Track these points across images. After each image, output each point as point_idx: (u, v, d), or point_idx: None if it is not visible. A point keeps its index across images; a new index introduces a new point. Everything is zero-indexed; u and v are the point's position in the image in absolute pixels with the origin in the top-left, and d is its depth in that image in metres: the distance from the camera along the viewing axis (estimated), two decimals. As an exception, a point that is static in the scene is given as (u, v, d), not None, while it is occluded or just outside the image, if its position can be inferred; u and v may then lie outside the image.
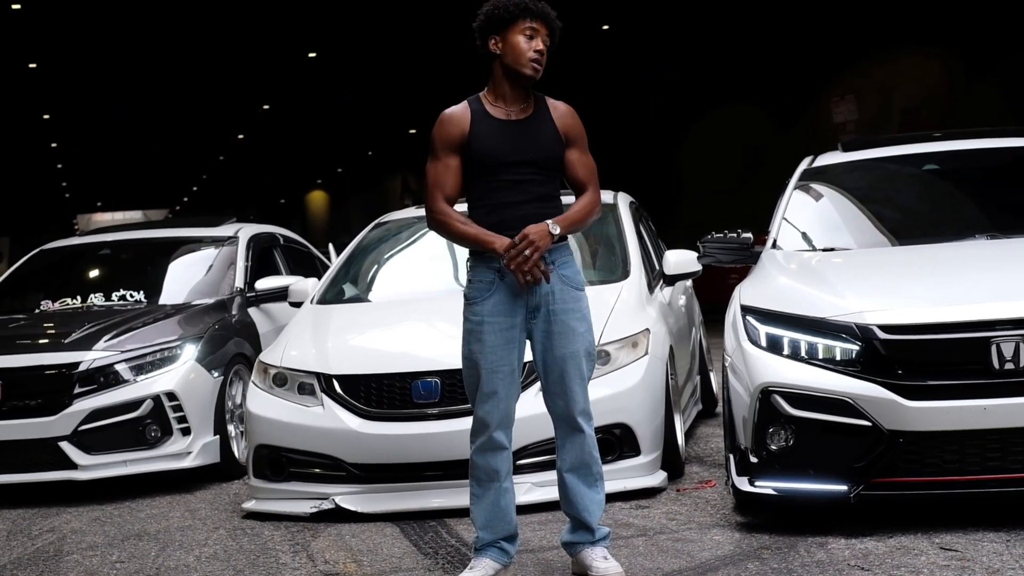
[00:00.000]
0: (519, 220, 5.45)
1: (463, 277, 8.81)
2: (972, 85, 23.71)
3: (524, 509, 7.01)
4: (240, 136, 51.47)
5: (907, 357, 5.95)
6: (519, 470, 7.10)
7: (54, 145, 49.49)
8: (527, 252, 5.37)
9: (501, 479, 5.62)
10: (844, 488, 5.97)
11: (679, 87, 34.64)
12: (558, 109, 5.69)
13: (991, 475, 5.88)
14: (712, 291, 14.79)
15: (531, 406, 7.11)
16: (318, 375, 7.48)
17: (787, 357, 6.22)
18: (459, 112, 5.59)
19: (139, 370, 8.72)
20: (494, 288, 5.54)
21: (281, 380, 7.62)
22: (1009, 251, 6.98)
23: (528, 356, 7.04)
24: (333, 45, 34.20)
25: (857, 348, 6.03)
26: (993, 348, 5.86)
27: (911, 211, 7.93)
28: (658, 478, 7.39)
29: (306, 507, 7.33)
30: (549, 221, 5.45)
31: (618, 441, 7.26)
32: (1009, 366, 5.84)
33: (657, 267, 8.87)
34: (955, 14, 23.44)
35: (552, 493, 7.04)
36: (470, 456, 5.64)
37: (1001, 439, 5.84)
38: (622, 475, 7.24)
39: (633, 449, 7.29)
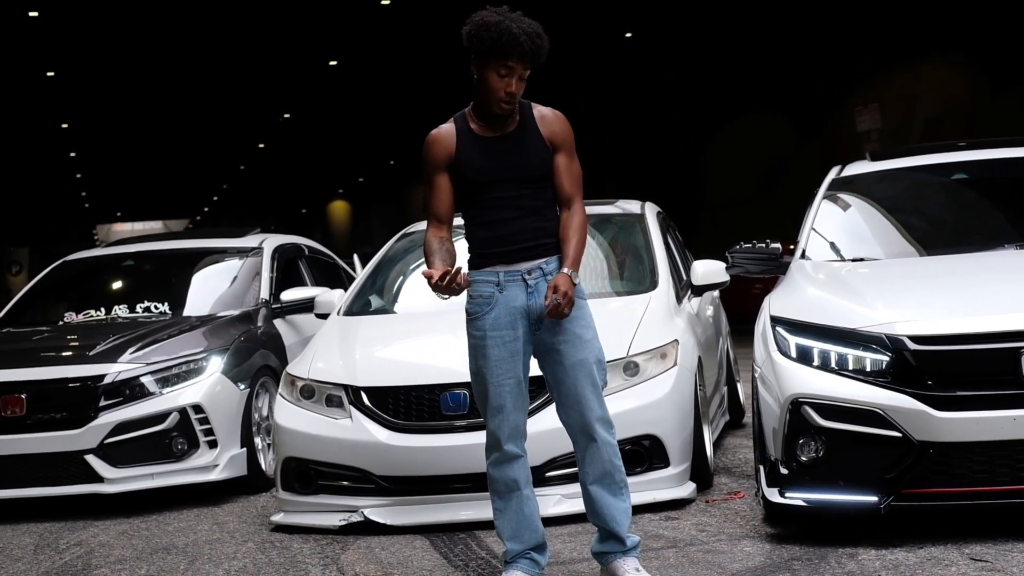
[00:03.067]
0: (515, 235, 5.53)
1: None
2: (995, 95, 23.65)
3: (553, 521, 7.01)
4: (261, 145, 51.57)
5: (937, 368, 5.92)
6: (548, 482, 7.11)
7: (73, 155, 49.64)
8: (563, 306, 5.42)
9: (521, 487, 5.64)
10: (874, 499, 5.95)
11: (703, 96, 34.61)
12: (544, 116, 5.65)
13: (1021, 486, 5.85)
14: (737, 301, 14.77)
15: (557, 418, 7.12)
16: (346, 387, 7.47)
17: (817, 368, 6.20)
18: (444, 132, 5.60)
19: (165, 382, 8.72)
20: (494, 302, 5.56)
21: (309, 392, 7.61)
22: (1033, 261, 6.95)
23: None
24: (354, 53, 34.27)
25: (887, 359, 6.01)
26: (1023, 359, 5.83)
27: (940, 221, 7.90)
28: (687, 489, 7.37)
29: (335, 520, 7.33)
30: (565, 269, 5.49)
31: (647, 452, 7.24)
32: (1039, 377, 5.81)
33: (685, 277, 8.85)
34: (979, 24, 23.40)
35: (581, 505, 7.04)
36: (487, 471, 5.68)
37: (1032, 450, 5.81)
38: (651, 487, 7.22)
39: (662, 460, 7.27)
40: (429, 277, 5.47)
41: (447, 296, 5.56)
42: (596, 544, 5.72)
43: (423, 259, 9.08)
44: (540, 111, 5.66)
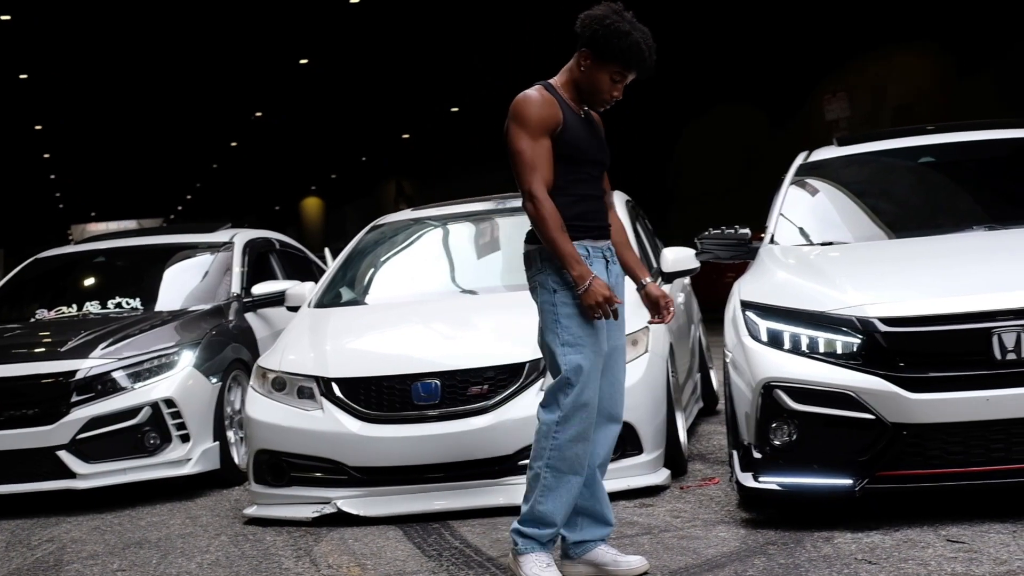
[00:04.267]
0: (596, 215, 5.57)
1: (460, 278, 8.90)
2: (964, 82, 23.71)
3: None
4: (233, 144, 51.44)
5: (909, 349, 5.92)
6: (520, 471, 7.08)
7: (47, 156, 49.45)
8: (673, 310, 5.75)
9: (585, 469, 5.53)
10: (849, 482, 5.95)
11: (674, 87, 34.62)
12: (598, 120, 5.75)
13: (996, 466, 5.85)
14: (709, 289, 14.78)
15: (532, 405, 7.07)
16: (317, 379, 7.45)
17: (788, 352, 6.19)
18: (551, 98, 5.49)
19: (137, 377, 8.68)
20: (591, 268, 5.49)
21: (280, 384, 7.58)
22: (1007, 242, 6.96)
23: (529, 356, 7.09)
24: (324, 51, 34.19)
25: (858, 341, 6.00)
26: (995, 339, 5.84)
27: (908, 204, 7.91)
28: (661, 476, 7.36)
29: (308, 512, 7.30)
30: (650, 279, 5.78)
31: (620, 440, 7.19)
32: (1011, 356, 5.82)
33: (655, 265, 8.85)
34: (947, 11, 23.45)
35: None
36: (555, 446, 5.42)
37: (1004, 430, 5.82)
38: (625, 474, 7.21)
39: (636, 447, 7.26)
40: (609, 301, 5.37)
41: (599, 315, 5.39)
42: (577, 533, 5.64)
43: (393, 249, 9.27)
44: (592, 112, 5.72)
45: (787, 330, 6.24)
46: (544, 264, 5.48)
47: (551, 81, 5.59)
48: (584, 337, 5.43)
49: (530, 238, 5.56)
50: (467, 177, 45.83)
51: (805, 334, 6.18)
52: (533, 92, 5.49)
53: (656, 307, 5.76)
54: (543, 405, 5.52)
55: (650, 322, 5.87)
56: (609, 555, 5.63)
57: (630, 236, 8.52)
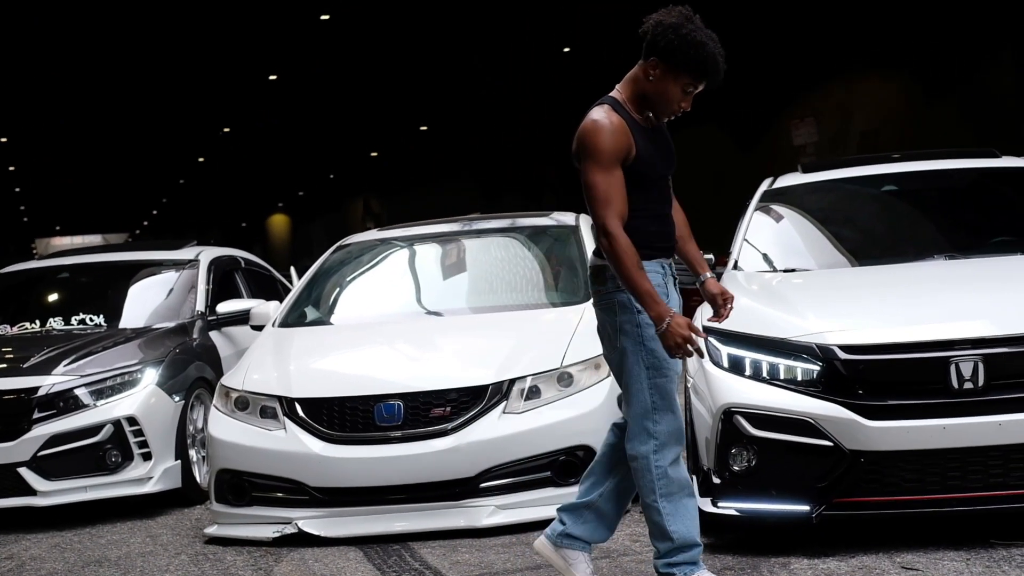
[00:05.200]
0: (672, 231, 5.51)
1: (425, 299, 8.92)
2: (931, 108, 23.89)
3: (487, 532, 7.04)
4: (200, 159, 51.36)
5: (867, 377, 5.98)
6: (481, 493, 7.12)
7: (12, 168, 49.22)
8: (731, 306, 5.61)
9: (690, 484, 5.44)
10: (806, 508, 5.99)
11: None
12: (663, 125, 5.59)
13: (951, 494, 5.92)
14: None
15: (494, 428, 7.17)
16: (280, 398, 7.46)
17: (749, 378, 6.24)
18: (619, 121, 5.30)
19: (99, 395, 8.66)
20: (666, 292, 5.37)
21: (243, 404, 7.59)
22: (967, 271, 7.05)
23: (491, 378, 7.09)
24: (294, 68, 34.19)
25: (818, 368, 6.06)
26: (952, 368, 5.91)
27: (871, 232, 7.98)
28: (621, 500, 7.38)
29: (269, 532, 7.30)
30: (709, 274, 5.66)
31: (581, 463, 7.24)
32: (968, 385, 5.88)
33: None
34: (914, 38, 23.63)
35: (516, 516, 7.09)
36: (656, 474, 5.32)
37: (960, 458, 5.89)
38: (585, 497, 7.22)
39: (596, 471, 7.27)
40: (690, 340, 5.17)
41: (680, 356, 5.22)
42: (575, 526, 5.62)
43: (358, 270, 9.28)
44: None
45: (748, 356, 6.29)
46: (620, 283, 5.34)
47: (616, 96, 5.39)
48: (667, 360, 5.29)
49: (599, 251, 5.41)
50: (435, 195, 45.92)
51: (766, 360, 6.23)
52: (603, 119, 5.28)
53: (714, 303, 5.61)
54: (630, 439, 5.37)
55: (710, 319, 5.65)
56: (580, 565, 5.58)
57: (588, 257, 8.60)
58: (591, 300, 8.05)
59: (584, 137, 5.30)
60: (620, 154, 5.27)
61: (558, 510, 5.75)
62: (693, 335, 5.15)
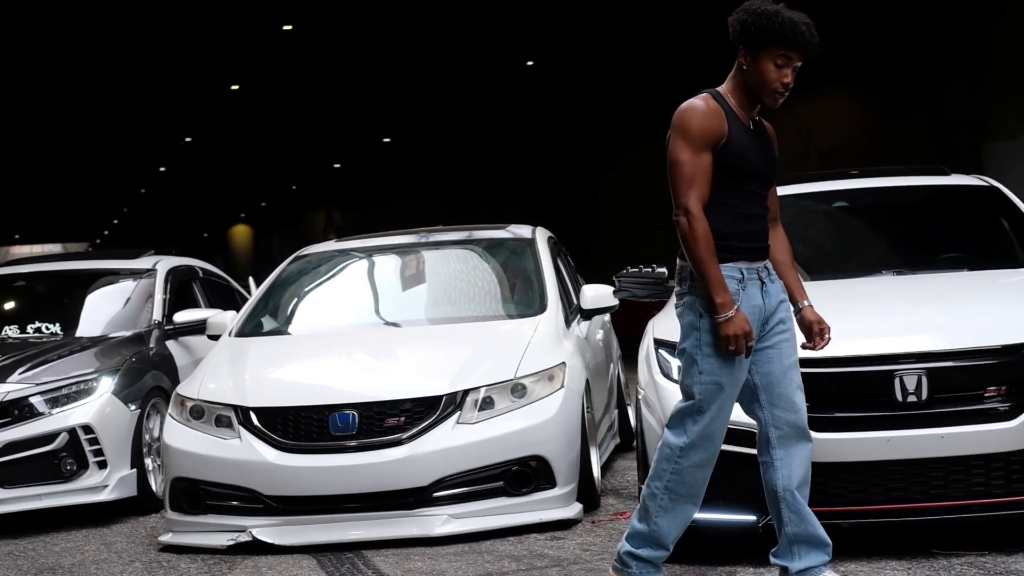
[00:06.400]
0: (758, 235, 5.37)
1: (383, 310, 8.98)
2: (891, 126, 24.08)
3: (440, 541, 7.10)
4: (162, 169, 51.18)
5: (814, 389, 6.05)
6: (435, 502, 7.20)
7: (-29, 176, 48.96)
8: (829, 336, 5.50)
9: (703, 495, 5.44)
10: (753, 518, 6.07)
11: (604, 124, 34.91)
12: (770, 128, 5.54)
13: (893, 505, 6.02)
14: (634, 326, 14.87)
15: (448, 438, 7.25)
16: (235, 407, 7.51)
17: (698, 390, 6.30)
18: (716, 107, 5.26)
19: (55, 403, 8.68)
20: (739, 298, 5.26)
21: (198, 413, 7.63)
22: (915, 287, 7.17)
23: (446, 389, 7.14)
24: (256, 78, 34.17)
25: (765, 381, 6.12)
26: (897, 381, 6.01)
27: (821, 247, 8.08)
28: (573, 510, 7.47)
29: (223, 540, 7.35)
30: (807, 302, 5.53)
31: (534, 473, 7.34)
32: (912, 399, 6.00)
33: (575, 301, 8.97)
34: (876, 57, 23.83)
35: (469, 525, 7.16)
36: (675, 468, 5.32)
37: (903, 470, 6.00)
38: (538, 507, 7.32)
39: (549, 481, 7.36)
40: (747, 337, 5.18)
41: (733, 349, 5.20)
42: (796, 562, 5.39)
43: (316, 280, 9.33)
44: (765, 121, 5.52)
45: (698, 369, 6.35)
46: (696, 284, 5.28)
47: (719, 88, 5.37)
48: (725, 366, 5.25)
49: (684, 253, 5.36)
50: (398, 207, 45.94)
51: (715, 373, 6.30)
52: (699, 101, 5.29)
53: (810, 332, 5.50)
54: (669, 427, 5.37)
55: (804, 346, 5.51)
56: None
57: (547, 272, 8.69)
58: (545, 313, 8.26)
59: (678, 116, 5.28)
60: (712, 137, 5.23)
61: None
62: (751, 334, 5.17)
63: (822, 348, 5.53)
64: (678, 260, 5.45)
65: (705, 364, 5.27)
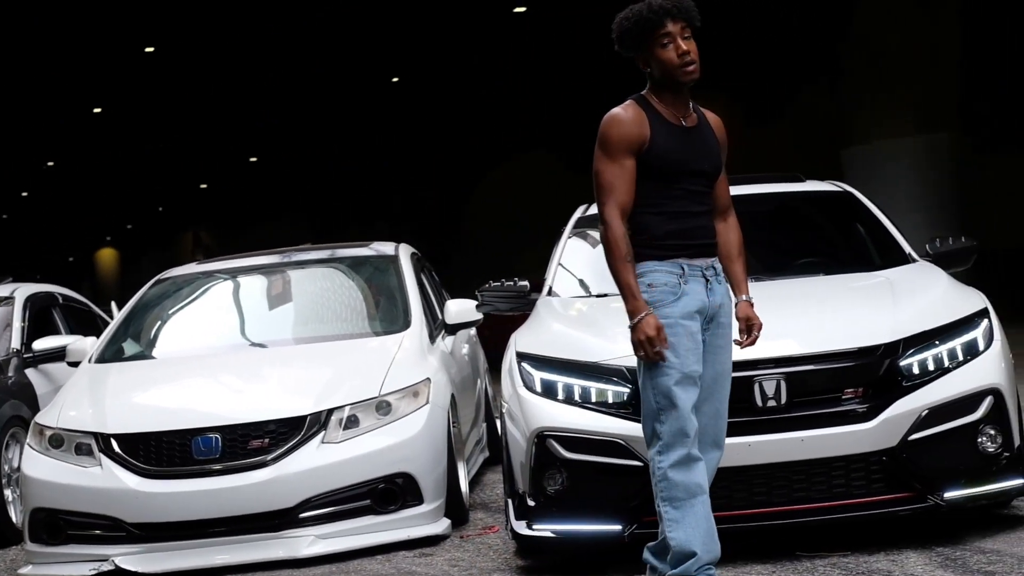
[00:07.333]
0: (697, 231, 5.32)
1: (249, 331, 8.89)
2: (753, 130, 24.42)
3: (307, 562, 7.04)
4: (24, 193, 50.32)
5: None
6: (301, 523, 7.13)
7: None
8: (757, 334, 5.44)
9: (705, 491, 5.24)
10: (619, 527, 6.10)
11: (472, 137, 34.98)
12: (713, 119, 5.52)
13: (757, 509, 6.08)
14: (503, 340, 14.90)
15: (313, 458, 7.19)
16: (96, 435, 7.39)
17: (562, 402, 6.33)
18: (636, 113, 5.29)
19: (-89, 435, 8.46)
20: (680, 291, 5.24)
21: (58, 441, 7.50)
22: (772, 292, 7.20)
23: (310, 408, 7.07)
24: (119, 100, 33.74)
25: (628, 391, 6.17)
26: (757, 386, 6.07)
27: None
28: (441, 525, 7.44)
29: (85, 569, 7.23)
30: (745, 297, 5.47)
31: (401, 490, 7.30)
32: (771, 403, 6.06)
33: (440, 317, 8.96)
34: (738, 61, 24.15)
35: (336, 545, 7.10)
36: (663, 478, 5.19)
37: (766, 474, 6.06)
38: (405, 524, 7.28)
39: (416, 498, 7.33)
40: (652, 343, 5.09)
41: (642, 355, 5.14)
42: (665, 564, 5.30)
43: (179, 303, 9.21)
44: (708, 113, 5.51)
45: (561, 380, 6.39)
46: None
47: (643, 92, 5.39)
48: (665, 367, 5.17)
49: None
50: (267, 228, 45.55)
51: (578, 384, 6.33)
52: (619, 109, 5.33)
53: (740, 328, 5.46)
54: (647, 442, 5.28)
55: (736, 342, 5.46)
56: None
57: (411, 289, 8.66)
58: (409, 329, 8.22)
59: (600, 127, 5.32)
60: (631, 144, 5.25)
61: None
62: (659, 339, 5.11)
63: (747, 346, 5.48)
64: None
65: (647, 370, 5.24)
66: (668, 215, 5.29)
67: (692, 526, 5.20)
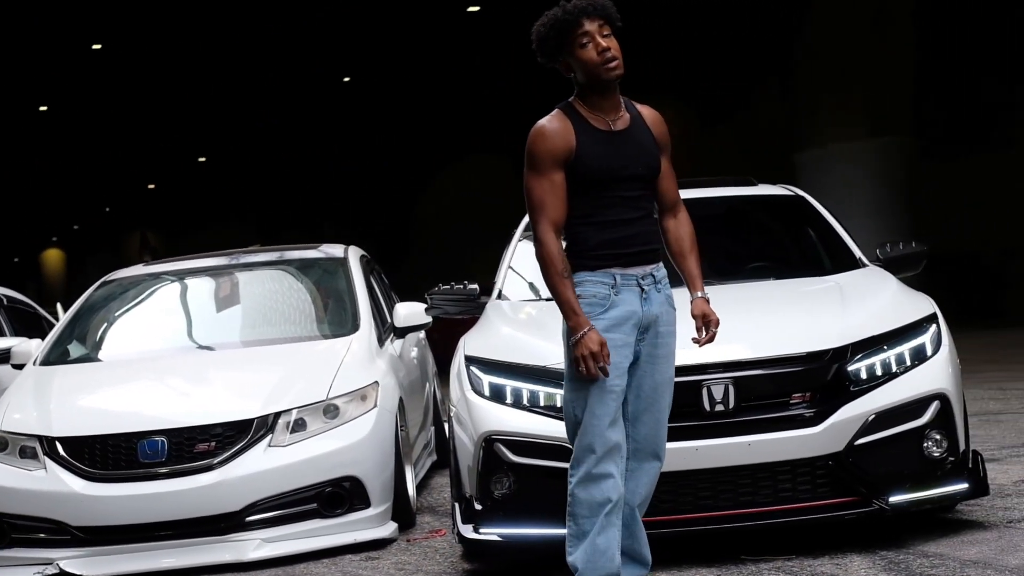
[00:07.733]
0: (633, 239, 5.21)
1: (196, 333, 8.84)
2: (706, 133, 24.53)
3: (253, 566, 7.02)
4: (-32, 192, 49.91)
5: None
6: (247, 527, 7.11)
7: None
8: (715, 331, 5.35)
9: (607, 512, 5.18)
10: (565, 532, 6.08)
11: (419, 140, 34.93)
12: (650, 116, 5.40)
13: (703, 513, 6.10)
14: (452, 343, 14.89)
15: (261, 461, 7.17)
16: (40, 438, 7.33)
17: (509, 406, 6.33)
18: (561, 124, 5.18)
19: None
20: (609, 303, 5.16)
21: (2, 444, 7.44)
22: (722, 296, 7.15)
23: (257, 412, 7.05)
24: (66, 98, 33.52)
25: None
26: (704, 391, 6.09)
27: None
28: (388, 529, 7.43)
29: (29, 573, 7.17)
30: (699, 294, 5.38)
31: (348, 494, 7.28)
32: (719, 408, 6.08)
33: (388, 320, 8.94)
34: (690, 64, 24.25)
35: (283, 548, 7.08)
36: (571, 492, 5.21)
37: (712, 478, 6.08)
38: (352, 527, 7.27)
39: (363, 501, 7.32)
40: (595, 358, 5.03)
41: (583, 370, 5.06)
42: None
43: (125, 305, 9.14)
44: (644, 108, 5.40)
45: (509, 384, 6.39)
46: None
47: (570, 99, 5.30)
48: (589, 382, 5.11)
49: None
50: (216, 229, 45.38)
51: (526, 388, 6.33)
52: (544, 121, 5.21)
53: (696, 325, 5.38)
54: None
55: (693, 340, 5.39)
56: None
57: (359, 291, 8.63)
58: (357, 332, 8.20)
59: (527, 143, 5.21)
60: (557, 156, 5.14)
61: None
62: (601, 355, 5.04)
63: (704, 344, 5.41)
64: None
65: (570, 383, 5.21)
66: (601, 224, 5.20)
67: (587, 546, 5.18)
